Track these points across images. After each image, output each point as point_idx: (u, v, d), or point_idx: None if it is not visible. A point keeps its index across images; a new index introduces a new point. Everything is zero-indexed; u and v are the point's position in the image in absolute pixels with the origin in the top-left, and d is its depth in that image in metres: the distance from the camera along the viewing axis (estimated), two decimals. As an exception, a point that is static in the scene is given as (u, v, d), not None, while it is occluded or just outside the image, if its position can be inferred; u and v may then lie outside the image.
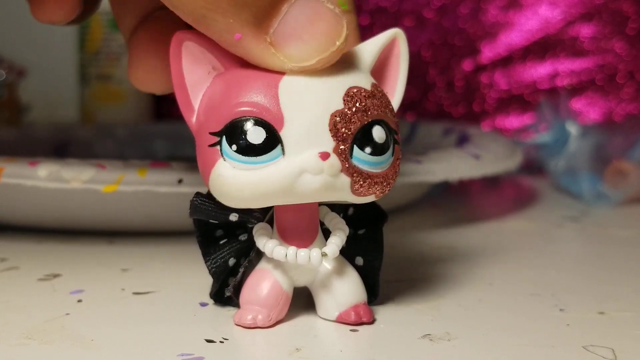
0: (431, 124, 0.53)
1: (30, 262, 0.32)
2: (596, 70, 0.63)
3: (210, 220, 0.24)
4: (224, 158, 0.21)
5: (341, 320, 0.24)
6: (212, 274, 0.25)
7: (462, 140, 0.46)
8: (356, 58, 0.23)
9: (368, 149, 0.22)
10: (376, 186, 0.22)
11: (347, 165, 0.21)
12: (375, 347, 0.22)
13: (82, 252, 0.33)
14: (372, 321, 0.24)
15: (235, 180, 0.21)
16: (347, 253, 0.24)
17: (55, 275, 0.30)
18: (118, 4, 0.29)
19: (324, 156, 0.21)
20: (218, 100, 0.22)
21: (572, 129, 0.48)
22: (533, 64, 0.64)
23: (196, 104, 0.23)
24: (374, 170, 0.22)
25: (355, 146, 0.22)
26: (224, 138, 0.21)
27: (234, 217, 0.24)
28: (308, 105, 0.21)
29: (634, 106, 0.63)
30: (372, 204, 0.25)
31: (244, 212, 0.24)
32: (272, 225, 0.24)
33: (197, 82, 0.23)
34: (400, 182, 0.34)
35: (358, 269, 0.25)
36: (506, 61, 0.64)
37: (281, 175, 0.21)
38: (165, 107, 0.67)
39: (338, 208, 0.25)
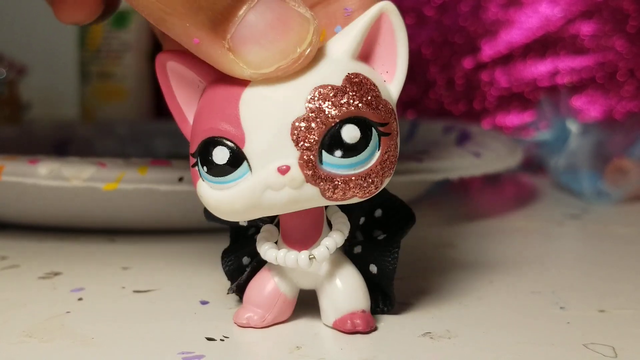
0: (432, 122, 0.53)
1: (31, 260, 0.32)
2: (597, 68, 0.63)
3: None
4: (202, 178, 0.22)
5: (337, 327, 0.23)
6: (226, 272, 0.25)
7: (463, 138, 0.46)
8: (331, 47, 0.21)
9: (338, 152, 0.21)
10: (354, 189, 0.21)
11: (311, 174, 0.20)
12: (375, 345, 0.22)
13: (83, 250, 0.33)
14: (368, 330, 0.23)
15: (212, 199, 0.21)
16: (362, 259, 0.24)
17: (56, 274, 0.30)
18: None
19: (283, 171, 0.20)
20: (195, 120, 0.22)
21: (573, 126, 0.48)
22: (533, 61, 0.63)
23: (191, 118, 0.23)
24: (351, 172, 0.21)
25: (323, 151, 0.20)
26: (198, 159, 0.21)
27: (243, 222, 0.24)
28: (268, 117, 0.20)
29: (634, 104, 0.63)
30: (402, 205, 0.24)
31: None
32: (279, 227, 0.24)
33: (188, 98, 0.23)
34: (400, 180, 0.34)
35: (372, 276, 0.24)
36: (507, 59, 0.64)
37: (246, 193, 0.21)
38: (166, 105, 0.67)
39: (359, 210, 0.24)
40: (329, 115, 0.20)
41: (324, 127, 0.20)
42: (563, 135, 0.48)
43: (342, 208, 0.24)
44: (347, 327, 0.23)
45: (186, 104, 0.23)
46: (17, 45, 0.70)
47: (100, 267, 0.31)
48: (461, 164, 0.38)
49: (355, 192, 0.21)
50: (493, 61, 0.64)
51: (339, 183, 0.21)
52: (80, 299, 0.27)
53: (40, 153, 0.35)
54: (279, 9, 0.20)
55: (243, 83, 0.21)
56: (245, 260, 0.25)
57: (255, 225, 0.25)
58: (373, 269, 0.24)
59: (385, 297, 0.24)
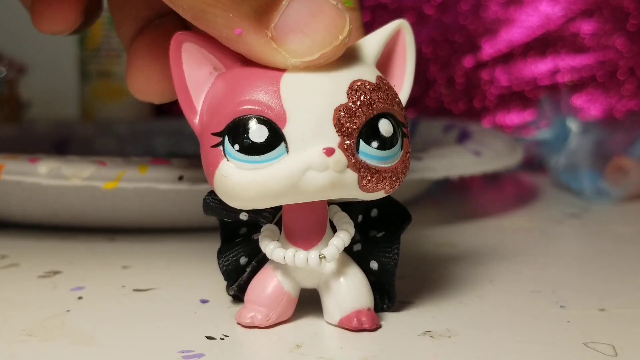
0: (432, 121, 0.53)
1: (31, 259, 0.32)
2: (597, 67, 0.63)
3: (224, 219, 0.24)
4: (227, 158, 0.21)
5: (342, 325, 0.23)
6: (223, 273, 0.25)
7: (463, 137, 0.46)
8: (360, 51, 0.23)
9: (375, 143, 0.21)
10: (385, 181, 0.22)
11: (353, 161, 0.21)
12: (375, 344, 0.22)
13: (83, 249, 0.33)
14: (374, 328, 0.23)
15: (240, 180, 0.21)
16: (362, 257, 0.24)
17: (56, 272, 0.30)
18: (117, 10, 0.28)
19: (329, 152, 0.21)
20: (220, 100, 0.22)
21: (573, 125, 0.48)
22: (534, 60, 0.63)
23: (199, 105, 0.22)
24: (382, 165, 0.22)
25: (361, 141, 0.21)
26: (226, 138, 0.21)
27: (244, 216, 0.24)
28: (311, 101, 0.21)
29: (634, 103, 0.63)
30: (397, 204, 0.24)
31: (254, 212, 0.23)
32: (280, 226, 0.24)
33: (198, 83, 0.22)
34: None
35: (373, 273, 0.24)
36: (507, 58, 0.64)
37: (286, 173, 0.21)
38: (166, 104, 0.67)
39: (357, 208, 0.24)
40: (370, 107, 0.21)
41: (364, 117, 0.21)
42: (563, 134, 0.48)
43: (342, 207, 0.24)
44: (353, 325, 0.23)
45: (195, 88, 0.22)
46: (16, 45, 0.70)
47: (100, 266, 0.31)
48: (461, 163, 0.38)
49: (385, 184, 0.22)
50: (493, 60, 0.64)
51: (375, 173, 0.21)
52: (80, 298, 0.27)
53: (40, 152, 0.35)
54: (317, 0, 0.21)
55: (280, 68, 0.21)
56: (243, 260, 0.25)
57: (252, 224, 0.25)
58: (374, 265, 0.24)
59: (386, 294, 0.24)
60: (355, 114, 0.21)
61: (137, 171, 0.32)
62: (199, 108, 0.22)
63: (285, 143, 0.21)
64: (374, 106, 0.21)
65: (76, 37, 0.65)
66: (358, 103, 0.21)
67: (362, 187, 0.21)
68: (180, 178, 0.32)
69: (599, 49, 0.63)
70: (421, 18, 0.64)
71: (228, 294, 0.26)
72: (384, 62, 0.23)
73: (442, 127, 0.50)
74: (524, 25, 0.63)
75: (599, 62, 0.63)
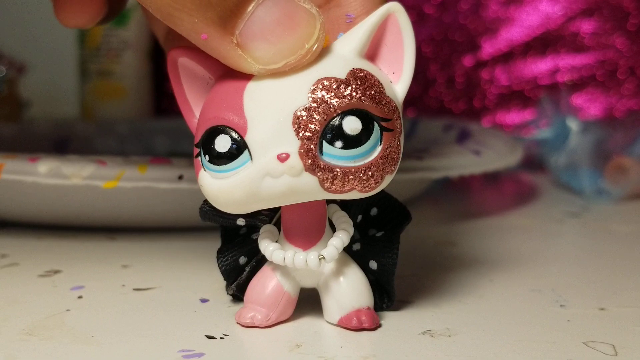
0: (432, 120, 0.53)
1: (31, 258, 0.32)
2: (597, 66, 0.63)
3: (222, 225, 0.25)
4: (204, 168, 0.22)
5: (342, 324, 0.23)
6: (223, 272, 0.25)
7: (463, 136, 0.46)
8: (339, 45, 0.22)
9: (339, 143, 0.21)
10: (353, 182, 0.21)
11: (310, 163, 0.20)
12: (375, 343, 0.22)
13: (83, 249, 0.33)
14: (374, 327, 0.23)
15: (212, 188, 0.22)
16: (362, 256, 0.24)
17: (56, 272, 0.30)
18: None
19: (283, 158, 0.20)
20: (202, 112, 0.22)
21: (573, 124, 0.48)
22: (534, 59, 0.63)
23: (198, 113, 0.23)
24: (352, 164, 0.21)
25: (324, 141, 0.21)
26: (201, 149, 0.22)
27: (241, 221, 0.24)
28: (270, 106, 0.21)
29: (634, 102, 0.63)
30: (397, 203, 0.24)
31: (250, 216, 0.24)
32: (279, 227, 0.24)
33: (197, 95, 0.23)
34: (400, 178, 0.34)
35: (372, 272, 0.24)
36: (507, 57, 0.64)
37: (245, 181, 0.21)
38: (166, 103, 0.67)
39: (357, 208, 0.24)
40: (331, 106, 0.21)
41: (325, 117, 0.21)
42: (563, 133, 0.48)
43: (341, 207, 0.24)
44: (353, 325, 0.23)
45: (195, 100, 0.23)
46: (17, 43, 0.70)
47: (100, 265, 0.31)
48: (461, 162, 0.38)
49: (355, 184, 0.21)
50: (493, 59, 0.64)
51: (338, 174, 0.21)
52: (80, 297, 0.27)
53: (40, 151, 0.35)
54: (286, 5, 0.20)
55: (249, 76, 0.21)
56: (242, 260, 0.25)
57: (251, 225, 0.25)
58: (373, 265, 0.24)
59: (385, 294, 0.24)
60: (313, 115, 0.20)
61: (137, 170, 0.32)
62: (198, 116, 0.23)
63: (249, 151, 0.21)
64: (337, 104, 0.21)
65: (76, 37, 0.65)
66: (319, 102, 0.21)
67: (327, 189, 0.21)
68: (180, 177, 0.32)
69: (599, 48, 0.63)
70: (421, 17, 0.64)
71: (227, 293, 0.26)
72: (375, 50, 0.22)
73: (442, 127, 0.50)
74: (524, 24, 0.63)
75: (599, 61, 0.63)
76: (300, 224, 0.23)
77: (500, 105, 0.64)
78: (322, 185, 0.21)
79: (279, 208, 0.24)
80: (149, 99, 0.65)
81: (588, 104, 0.63)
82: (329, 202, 0.24)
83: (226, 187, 0.21)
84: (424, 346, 0.22)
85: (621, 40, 0.62)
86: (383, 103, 0.21)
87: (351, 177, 0.21)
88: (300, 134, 0.20)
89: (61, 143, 0.52)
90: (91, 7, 0.27)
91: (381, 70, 0.22)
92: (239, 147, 0.21)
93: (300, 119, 0.20)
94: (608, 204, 0.45)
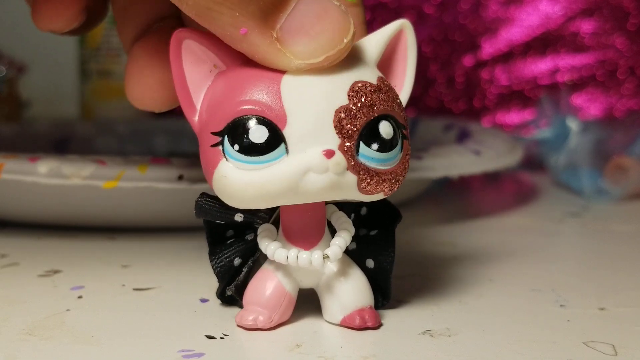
0: (432, 120, 0.53)
1: (31, 258, 0.32)
2: (597, 66, 0.63)
3: (217, 221, 0.24)
4: (226, 158, 0.21)
5: (345, 324, 0.23)
6: (217, 274, 0.25)
7: (463, 136, 0.46)
8: (361, 51, 0.22)
9: (375, 145, 0.21)
10: (384, 183, 0.22)
11: (353, 163, 0.21)
12: (375, 343, 0.22)
13: (83, 248, 0.33)
14: (377, 326, 0.23)
15: (239, 180, 0.21)
16: (358, 255, 0.24)
17: (56, 271, 0.30)
18: (119, 13, 0.28)
19: (329, 154, 0.21)
20: (220, 99, 0.22)
21: (573, 124, 0.48)
22: (534, 59, 0.63)
23: (198, 103, 0.22)
24: (382, 167, 0.21)
25: (361, 142, 0.21)
26: (226, 138, 0.21)
27: (239, 217, 0.23)
28: (311, 102, 0.21)
29: (634, 102, 0.63)
30: (387, 203, 0.24)
31: (249, 213, 0.23)
32: (277, 226, 0.24)
33: (198, 81, 0.22)
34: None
35: (369, 271, 0.24)
36: (507, 57, 0.64)
37: (285, 174, 0.21)
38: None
39: (348, 207, 0.24)
40: (371, 109, 0.21)
41: (364, 118, 0.21)
42: (563, 133, 0.48)
43: (338, 207, 0.24)
44: (356, 324, 0.23)
45: (194, 86, 0.22)
46: (17, 43, 0.70)
47: (100, 265, 0.31)
48: (461, 162, 0.38)
49: (385, 186, 0.22)
50: (493, 59, 0.64)
51: (374, 175, 0.21)
52: (80, 297, 0.27)
53: (40, 151, 0.35)
54: (322, 2, 0.21)
55: (282, 69, 0.21)
56: (237, 261, 0.25)
57: (241, 226, 0.24)
58: (370, 263, 0.24)
59: (381, 292, 0.24)
60: (355, 115, 0.21)
61: (137, 170, 0.32)
62: (198, 106, 0.22)
63: (285, 144, 0.21)
64: (375, 108, 0.21)
65: (76, 37, 0.65)
66: (359, 105, 0.21)
67: (362, 190, 0.21)
68: (180, 177, 0.32)
69: (599, 48, 0.63)
70: (421, 17, 0.64)
71: (218, 295, 0.25)
72: (386, 62, 0.23)
73: (442, 127, 0.50)
74: (523, 24, 0.63)
75: (599, 61, 0.63)
76: (301, 224, 0.23)
77: (500, 105, 0.64)
78: (359, 185, 0.21)
79: (276, 207, 0.24)
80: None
81: (588, 103, 0.63)
82: (327, 202, 0.24)
83: (259, 180, 0.21)
84: (423, 346, 0.22)
85: (621, 40, 0.62)
86: (403, 112, 0.22)
87: (383, 179, 0.22)
88: (342, 133, 0.21)
89: (61, 143, 0.52)
90: (67, 12, 0.27)
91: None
92: (277, 139, 0.21)
93: (342, 117, 0.21)
94: (608, 203, 0.45)
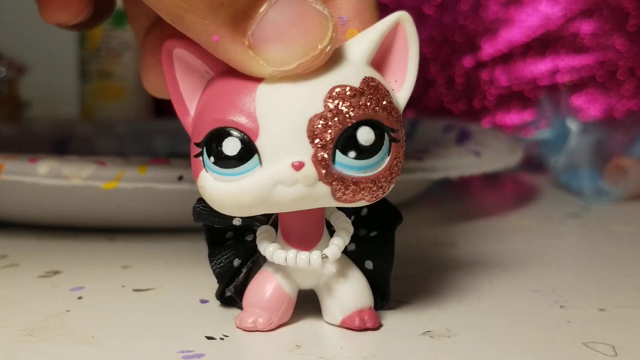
0: (431, 121, 0.53)
1: (31, 258, 0.32)
2: (597, 67, 0.63)
3: (215, 226, 0.24)
4: (205, 169, 0.21)
5: (345, 325, 0.23)
6: (217, 275, 0.25)
7: (463, 137, 0.46)
8: (348, 51, 0.22)
9: (352, 153, 0.20)
10: (363, 192, 0.21)
11: (324, 173, 0.20)
12: (375, 344, 0.22)
13: (83, 249, 0.33)
14: (377, 327, 0.23)
15: (215, 191, 0.21)
16: (357, 256, 0.24)
17: (56, 272, 0.30)
18: (131, 4, 0.28)
19: (298, 166, 0.20)
20: (202, 110, 0.22)
21: (573, 125, 0.48)
22: (533, 60, 0.63)
23: (192, 109, 0.22)
24: (362, 175, 0.21)
25: (337, 151, 0.20)
26: (204, 149, 0.21)
27: (237, 221, 0.24)
28: (284, 112, 0.20)
29: (634, 102, 0.63)
30: (387, 204, 0.24)
31: (247, 216, 0.23)
32: (276, 227, 0.24)
33: (192, 87, 0.22)
34: (400, 179, 0.34)
35: (368, 272, 0.24)
36: (506, 58, 0.64)
37: (254, 187, 0.20)
38: (166, 104, 0.67)
39: (350, 208, 0.24)
40: (347, 115, 0.20)
41: (340, 126, 0.20)
42: (563, 134, 0.48)
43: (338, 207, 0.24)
44: (356, 325, 0.23)
45: (189, 94, 0.22)
46: (17, 44, 0.70)
47: (100, 265, 0.31)
48: (461, 163, 0.38)
49: (364, 195, 0.21)
50: (493, 60, 0.64)
51: (350, 184, 0.21)
52: (80, 298, 0.27)
53: (40, 152, 0.35)
54: (299, 6, 0.20)
55: (258, 77, 0.21)
56: (237, 262, 0.25)
57: (247, 225, 0.24)
58: (369, 265, 0.24)
59: (380, 293, 0.24)
60: (328, 124, 0.20)
61: (136, 171, 0.32)
62: (192, 112, 0.22)
63: (259, 155, 0.20)
64: (353, 114, 0.20)
65: (76, 37, 0.65)
66: (335, 111, 0.20)
67: (338, 199, 0.21)
68: (180, 178, 0.32)
69: (599, 49, 0.63)
70: (421, 18, 0.64)
71: (218, 297, 0.25)
72: (382, 58, 0.22)
73: (442, 127, 0.50)
74: (523, 25, 0.63)
75: (599, 62, 0.63)
76: (298, 226, 0.23)
77: (500, 106, 0.64)
78: (333, 194, 0.21)
79: None
80: (148, 100, 0.65)
81: (588, 104, 0.63)
82: None
83: (233, 191, 0.21)
84: (423, 347, 0.22)
85: (621, 41, 0.62)
86: (392, 114, 0.21)
87: (362, 187, 0.21)
88: (315, 142, 0.20)
89: (61, 144, 0.52)
90: (74, 4, 0.27)
91: (384, 78, 0.22)
92: (249, 151, 0.20)
93: (315, 127, 0.20)
94: (608, 204, 0.45)
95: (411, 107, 0.65)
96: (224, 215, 0.23)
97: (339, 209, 0.24)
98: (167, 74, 0.22)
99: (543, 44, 0.63)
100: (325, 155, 0.20)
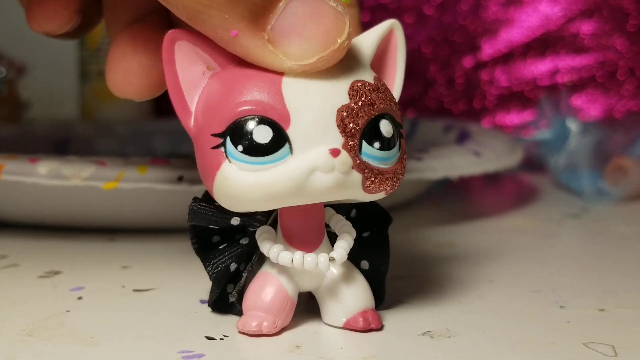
0: (431, 121, 0.53)
1: (31, 259, 0.32)
2: (597, 67, 0.63)
3: (210, 226, 0.24)
4: (229, 160, 0.21)
5: (349, 326, 0.23)
6: (213, 280, 0.24)
7: (463, 137, 0.46)
8: (357, 51, 0.22)
9: (377, 144, 0.21)
10: (387, 182, 0.22)
11: (357, 162, 0.21)
12: (375, 344, 0.22)
13: (83, 249, 0.33)
14: (380, 327, 0.23)
15: (244, 182, 0.21)
16: (352, 257, 0.24)
17: (56, 272, 0.30)
18: (108, 13, 0.28)
19: (335, 153, 0.20)
20: (218, 100, 0.21)
21: (573, 125, 0.48)
22: (533, 60, 0.63)
23: (192, 106, 0.22)
24: (383, 166, 0.21)
25: (363, 141, 0.21)
26: (228, 139, 0.21)
27: (235, 221, 0.23)
28: (314, 101, 0.21)
29: (634, 103, 0.63)
30: (376, 205, 0.24)
31: (246, 216, 0.23)
32: (275, 228, 0.23)
33: (192, 83, 0.22)
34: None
35: (364, 272, 0.24)
36: (506, 58, 0.64)
37: (292, 173, 0.20)
38: (166, 104, 0.66)
39: (340, 211, 0.24)
40: (372, 107, 0.21)
41: (366, 117, 0.21)
42: (563, 134, 0.48)
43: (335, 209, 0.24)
44: (360, 326, 0.23)
45: (187, 88, 0.22)
46: (16, 45, 0.69)
47: (100, 266, 0.31)
48: (461, 163, 0.38)
49: (387, 185, 0.22)
50: (493, 60, 0.64)
51: (378, 174, 0.21)
52: (80, 298, 0.27)
53: (40, 152, 0.35)
54: (315, 2, 0.21)
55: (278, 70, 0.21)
56: (233, 266, 0.24)
57: (245, 225, 0.24)
58: (365, 265, 0.24)
59: (375, 293, 0.24)
60: (357, 114, 0.21)
61: (136, 171, 0.32)
62: (193, 109, 0.22)
63: (290, 144, 0.21)
64: (375, 106, 0.21)
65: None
66: (360, 103, 0.21)
67: (366, 189, 0.21)
68: (180, 178, 0.32)
69: (599, 49, 0.63)
70: (421, 18, 0.64)
71: (210, 304, 0.25)
72: (377, 62, 0.23)
73: (441, 127, 0.50)
74: (523, 25, 0.63)
75: (599, 62, 0.63)
76: (302, 227, 0.23)
77: (500, 106, 0.64)
78: (363, 183, 0.21)
79: (273, 209, 0.23)
80: (148, 100, 0.65)
81: (588, 104, 0.63)
82: (325, 205, 0.24)
83: (265, 180, 0.20)
84: (423, 347, 0.22)
85: (621, 41, 0.62)
86: (398, 111, 0.22)
87: (385, 177, 0.22)
88: (345, 132, 0.21)
89: (61, 144, 0.52)
90: (61, 14, 0.27)
91: None
92: (281, 139, 0.20)
93: (344, 116, 0.21)
94: (608, 204, 0.45)
95: (411, 107, 0.65)
96: (223, 214, 0.23)
97: (337, 211, 0.24)
98: (167, 66, 0.22)
99: (543, 44, 0.63)
100: (354, 145, 0.21)
